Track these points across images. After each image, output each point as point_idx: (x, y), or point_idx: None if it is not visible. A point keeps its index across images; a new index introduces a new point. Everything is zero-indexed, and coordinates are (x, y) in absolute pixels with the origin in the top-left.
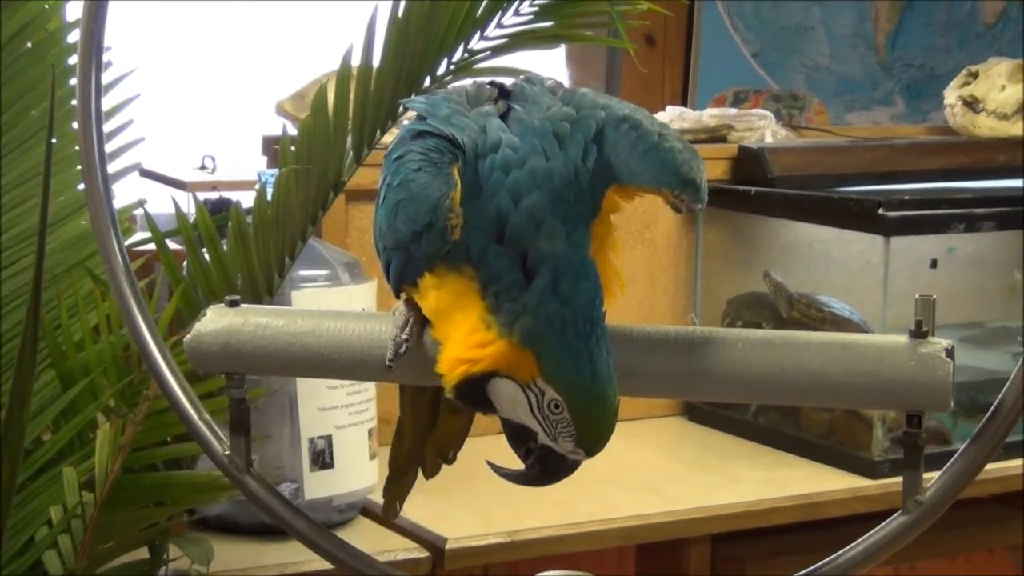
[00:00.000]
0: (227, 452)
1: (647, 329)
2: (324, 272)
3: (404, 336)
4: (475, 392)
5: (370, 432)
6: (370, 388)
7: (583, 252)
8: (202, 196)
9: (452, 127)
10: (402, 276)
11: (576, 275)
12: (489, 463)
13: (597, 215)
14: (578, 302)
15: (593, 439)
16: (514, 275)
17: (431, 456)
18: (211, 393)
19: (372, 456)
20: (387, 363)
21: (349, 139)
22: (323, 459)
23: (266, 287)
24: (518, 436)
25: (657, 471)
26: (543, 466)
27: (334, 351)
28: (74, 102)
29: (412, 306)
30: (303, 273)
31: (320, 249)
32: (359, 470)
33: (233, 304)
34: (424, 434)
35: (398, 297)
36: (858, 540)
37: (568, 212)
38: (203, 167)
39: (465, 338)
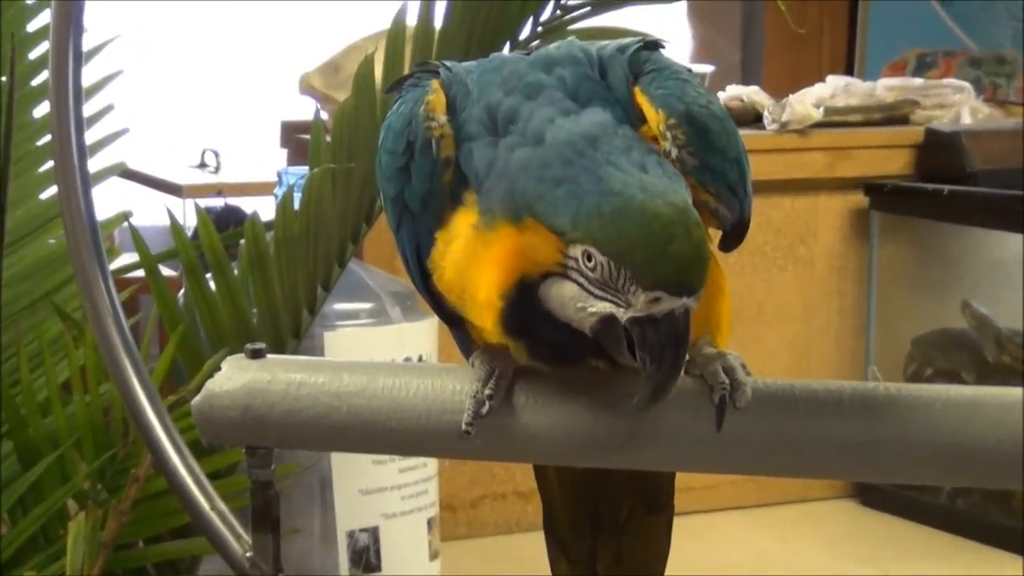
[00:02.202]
0: (248, 553)
1: (811, 386)
2: (367, 306)
3: (488, 392)
4: (540, 328)
5: (430, 523)
6: (429, 464)
7: (610, 125)
8: (204, 204)
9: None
10: (421, 255)
11: (567, 116)
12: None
13: (640, 124)
14: (560, 136)
15: (653, 265)
16: (491, 153)
17: None
18: (218, 473)
19: (433, 555)
20: (464, 427)
21: None
22: (367, 559)
23: (291, 327)
24: (611, 337)
25: (820, 572)
26: (647, 347)
27: (392, 416)
28: (37, 81)
29: (496, 355)
30: (340, 307)
31: (362, 275)
32: (416, 574)
33: (256, 354)
34: None
35: (432, 302)
36: None
37: (589, 92)
38: (203, 165)
39: (472, 262)
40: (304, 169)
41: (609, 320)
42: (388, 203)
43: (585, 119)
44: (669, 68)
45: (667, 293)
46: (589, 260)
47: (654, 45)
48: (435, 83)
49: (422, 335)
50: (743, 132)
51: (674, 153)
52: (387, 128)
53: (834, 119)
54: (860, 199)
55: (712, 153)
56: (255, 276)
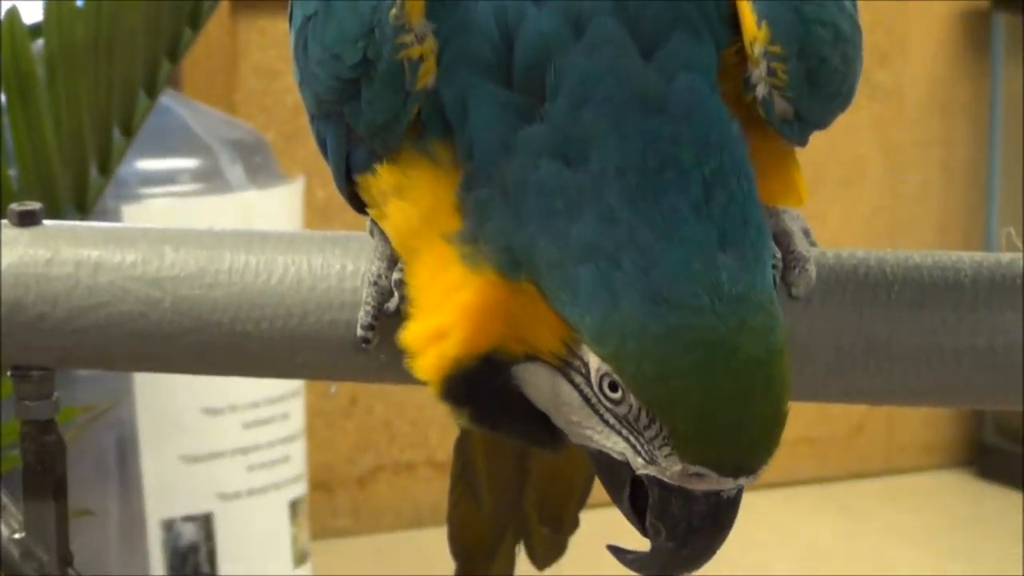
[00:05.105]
0: (18, 534)
1: (911, 260)
2: (191, 163)
3: (397, 274)
4: (498, 405)
5: (293, 509)
6: (292, 416)
7: (690, 80)
8: None
9: None
10: (351, 165)
11: (644, 103)
12: (609, 546)
13: (730, 40)
14: (611, 158)
15: (708, 440)
16: (505, 133)
17: (536, 525)
18: None
19: (299, 559)
20: (360, 332)
21: None
22: (195, 565)
23: (72, 192)
24: (609, 471)
25: (923, 569)
26: (668, 521)
27: (244, 315)
28: None
29: None
30: (148, 165)
31: (183, 115)
32: None
33: (27, 219)
34: (517, 482)
35: (354, 205)
36: None
37: (659, 17)
38: None
39: (430, 283)
40: None
41: (617, 460)
42: (308, 93)
43: (654, 103)
44: None
45: (718, 474)
46: (613, 390)
47: None
48: None
49: (279, 208)
50: None
51: (762, 91)
52: (327, 13)
53: None
54: None
55: (817, 103)
56: (14, 112)
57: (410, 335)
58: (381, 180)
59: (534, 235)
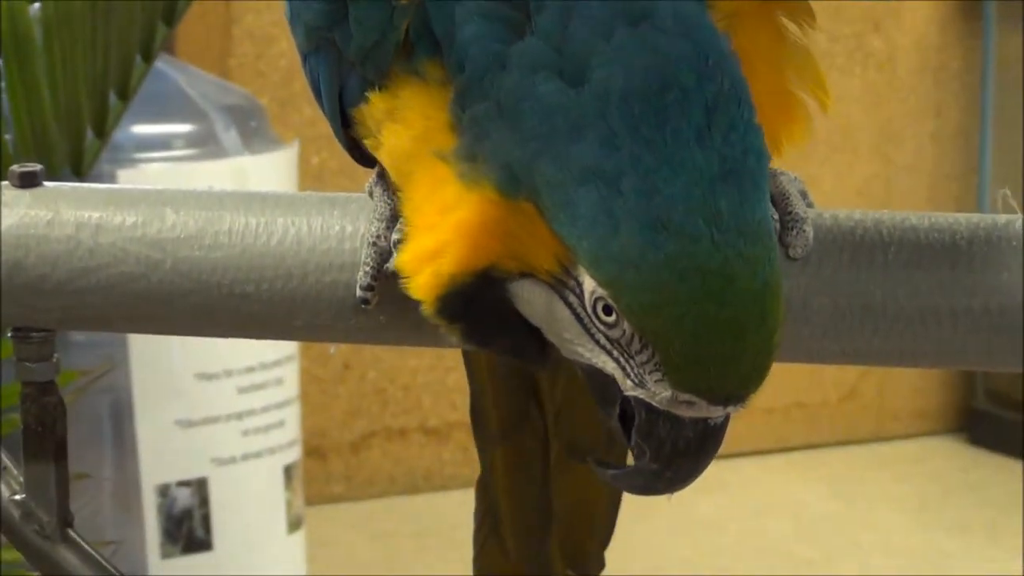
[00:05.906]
0: (18, 495)
1: (907, 222)
2: (186, 128)
3: (396, 236)
4: (488, 316)
5: (288, 474)
6: (287, 382)
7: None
8: None
9: None
10: (343, 99)
11: (631, 17)
12: (592, 461)
13: None
14: (614, 81)
15: (699, 369)
16: (497, 47)
17: (561, 567)
18: None
19: (293, 525)
20: (359, 292)
21: None
22: (189, 530)
23: (69, 156)
24: (600, 390)
25: (914, 535)
26: (654, 443)
27: (244, 276)
28: None
29: None
30: (143, 130)
31: (178, 80)
32: (267, 555)
33: (28, 180)
34: (541, 521)
35: (354, 155)
36: None
37: None
38: None
39: (425, 203)
40: None
41: (607, 377)
42: (299, 26)
43: (642, 17)
44: None
45: (707, 402)
46: (607, 313)
47: None
48: None
49: (273, 173)
50: None
51: None
52: None
53: None
54: None
55: None
56: (11, 76)
57: (406, 256)
58: (374, 108)
59: (534, 153)
